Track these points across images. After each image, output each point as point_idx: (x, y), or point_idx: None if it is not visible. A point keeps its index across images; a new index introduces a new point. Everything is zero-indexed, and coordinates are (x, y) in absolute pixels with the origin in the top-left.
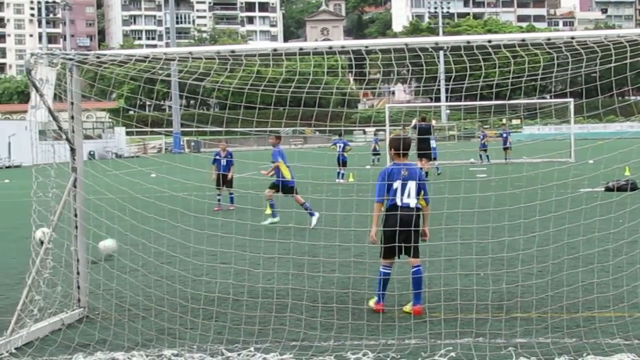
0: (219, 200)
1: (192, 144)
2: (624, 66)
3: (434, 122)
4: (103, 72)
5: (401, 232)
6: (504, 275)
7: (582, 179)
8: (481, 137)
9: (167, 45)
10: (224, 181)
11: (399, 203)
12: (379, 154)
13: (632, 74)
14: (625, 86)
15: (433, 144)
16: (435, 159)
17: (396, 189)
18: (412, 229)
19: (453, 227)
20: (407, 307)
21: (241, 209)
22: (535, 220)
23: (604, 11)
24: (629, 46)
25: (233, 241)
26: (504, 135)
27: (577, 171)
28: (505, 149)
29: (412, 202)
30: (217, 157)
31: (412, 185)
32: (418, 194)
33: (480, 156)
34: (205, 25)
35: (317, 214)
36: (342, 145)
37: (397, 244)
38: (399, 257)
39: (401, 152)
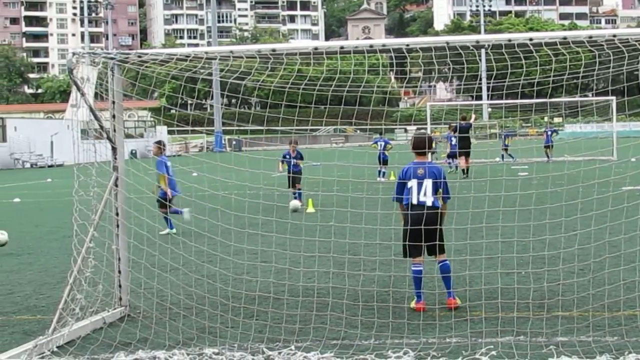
0: (297, 196)
1: (234, 142)
2: None
3: (473, 119)
4: (144, 71)
5: (419, 231)
6: (545, 273)
7: (624, 177)
8: (504, 136)
9: (209, 44)
10: (294, 180)
11: (414, 202)
12: (436, 151)
13: None
14: None
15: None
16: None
17: (411, 188)
18: (430, 227)
19: (494, 225)
20: (412, 303)
21: (282, 207)
22: (576, 219)
23: None
24: None
25: (274, 240)
26: (548, 132)
27: (619, 169)
28: (547, 147)
29: (429, 200)
30: (287, 157)
31: (428, 184)
32: (435, 192)
33: (503, 156)
34: (246, 24)
35: (185, 210)
36: (383, 143)
37: (415, 243)
38: (427, 255)
39: (419, 150)
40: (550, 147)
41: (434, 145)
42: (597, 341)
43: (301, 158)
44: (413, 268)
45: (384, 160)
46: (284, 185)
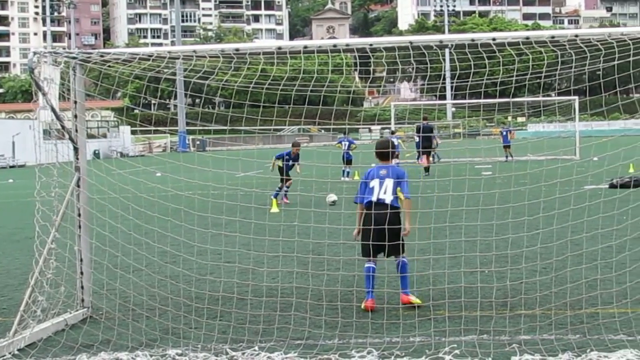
0: (285, 194)
1: (198, 142)
2: (628, 64)
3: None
4: (107, 71)
5: (378, 230)
6: (508, 272)
7: (586, 176)
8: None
9: (173, 43)
10: (286, 178)
11: (374, 199)
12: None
13: (636, 71)
14: (629, 84)
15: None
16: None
17: (373, 187)
18: (388, 226)
19: (457, 224)
20: (362, 304)
21: (245, 208)
22: (539, 218)
23: (609, 9)
24: (632, 44)
25: (237, 240)
26: (504, 132)
27: (581, 168)
28: (505, 146)
29: (388, 198)
30: (286, 157)
31: (389, 183)
32: (396, 192)
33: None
34: (210, 23)
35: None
36: (347, 143)
37: (375, 242)
38: (382, 255)
39: (382, 154)
40: (508, 146)
41: (402, 144)
42: (560, 339)
43: (297, 160)
44: (366, 265)
45: (348, 160)
46: (248, 185)
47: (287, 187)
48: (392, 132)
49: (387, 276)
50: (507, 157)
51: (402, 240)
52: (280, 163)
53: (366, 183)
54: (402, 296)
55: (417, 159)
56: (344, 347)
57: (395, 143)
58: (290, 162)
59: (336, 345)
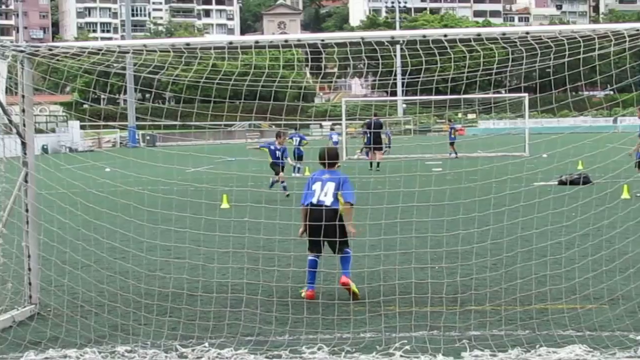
0: (284, 187)
1: (148, 137)
2: (578, 61)
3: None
4: (56, 65)
5: (317, 228)
6: (459, 268)
7: (536, 173)
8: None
9: (123, 38)
10: (278, 171)
11: (314, 201)
12: (389, 147)
13: (586, 69)
14: (579, 81)
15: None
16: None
17: (315, 190)
18: (327, 223)
19: (408, 220)
20: (302, 292)
21: (195, 204)
22: (489, 214)
23: (559, 7)
24: (582, 42)
25: (187, 236)
26: (450, 129)
27: (531, 165)
28: (451, 143)
29: (328, 200)
30: (273, 147)
31: (330, 186)
32: (336, 195)
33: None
34: (161, 18)
35: None
36: (298, 139)
37: (321, 239)
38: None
39: (324, 162)
40: (453, 143)
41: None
42: (509, 335)
43: (285, 152)
44: (309, 258)
45: (299, 156)
46: (198, 180)
47: (282, 181)
48: (332, 128)
49: (337, 272)
50: (450, 153)
51: (345, 237)
52: (266, 150)
53: (310, 185)
54: (341, 277)
55: (367, 154)
56: (294, 343)
57: (335, 139)
58: (278, 153)
59: (287, 342)
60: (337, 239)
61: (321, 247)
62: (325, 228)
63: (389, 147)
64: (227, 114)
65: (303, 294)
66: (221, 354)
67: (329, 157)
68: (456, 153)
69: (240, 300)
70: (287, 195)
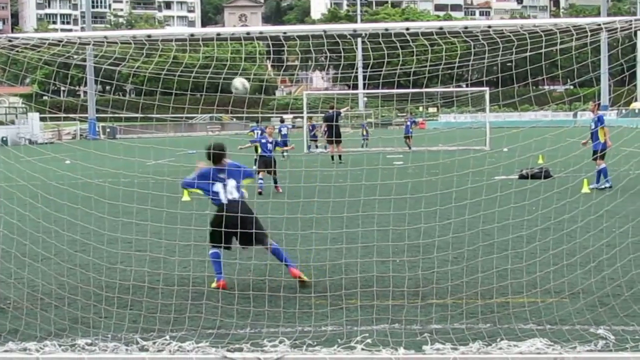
0: (261, 184)
1: (108, 130)
2: (539, 56)
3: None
4: (16, 56)
5: (235, 224)
6: (420, 261)
7: (497, 167)
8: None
9: (83, 29)
10: (267, 164)
11: (224, 201)
12: (367, 139)
13: (547, 63)
14: (540, 75)
15: None
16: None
17: (218, 191)
18: (244, 215)
19: (370, 214)
20: (214, 284)
21: (157, 196)
22: (451, 207)
23: (520, 1)
24: (544, 36)
25: (149, 228)
26: (408, 122)
27: (492, 159)
28: (407, 137)
29: (236, 194)
30: (264, 141)
31: (232, 183)
32: (239, 187)
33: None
34: (121, 9)
35: None
36: (259, 132)
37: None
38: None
39: (214, 157)
40: (409, 137)
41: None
42: (470, 328)
43: (276, 145)
44: (214, 251)
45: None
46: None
47: (261, 178)
48: (282, 120)
49: (299, 265)
50: (409, 147)
51: (261, 229)
52: (258, 145)
53: (211, 184)
54: (290, 270)
55: (325, 148)
56: (255, 337)
57: (284, 132)
58: (270, 146)
59: (248, 335)
60: (258, 230)
61: (231, 242)
62: (242, 221)
63: (367, 139)
64: (188, 106)
65: (214, 285)
66: (182, 347)
67: (216, 153)
68: (409, 147)
69: (201, 293)
70: (260, 193)
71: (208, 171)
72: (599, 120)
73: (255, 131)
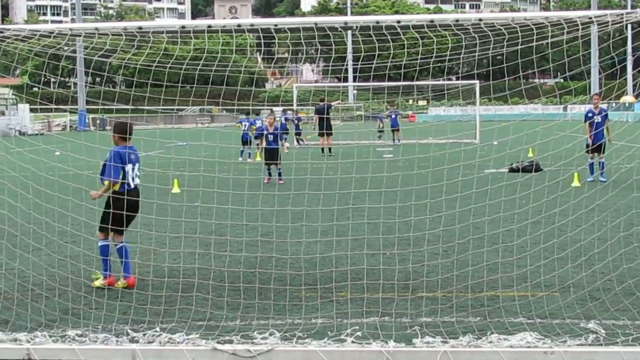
0: (269, 173)
1: (98, 121)
2: (530, 49)
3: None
4: (6, 48)
5: (131, 211)
6: (410, 255)
7: (487, 160)
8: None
9: (73, 21)
10: (273, 156)
11: (132, 186)
12: (382, 132)
13: (537, 56)
14: (530, 69)
15: None
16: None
17: (128, 172)
18: (137, 208)
19: (360, 206)
20: (120, 283)
21: (147, 188)
22: (441, 201)
23: None
24: (535, 29)
25: (139, 220)
26: (392, 115)
27: (482, 152)
28: (394, 130)
29: (137, 181)
30: (266, 132)
31: (136, 167)
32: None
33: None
34: (112, 1)
35: None
36: (247, 124)
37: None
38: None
39: (127, 136)
40: (397, 130)
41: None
42: (461, 322)
43: (281, 128)
44: (104, 244)
45: (248, 141)
46: (150, 165)
47: (279, 168)
48: (257, 114)
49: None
50: (398, 140)
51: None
52: (264, 142)
53: (122, 167)
54: (129, 280)
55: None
56: (246, 329)
57: (258, 125)
58: (271, 137)
59: (238, 327)
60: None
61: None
62: (134, 209)
63: (382, 131)
64: (178, 98)
65: (100, 283)
66: (172, 339)
67: (126, 130)
68: (394, 140)
69: (191, 285)
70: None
71: (121, 152)
72: (607, 116)
73: (243, 123)
